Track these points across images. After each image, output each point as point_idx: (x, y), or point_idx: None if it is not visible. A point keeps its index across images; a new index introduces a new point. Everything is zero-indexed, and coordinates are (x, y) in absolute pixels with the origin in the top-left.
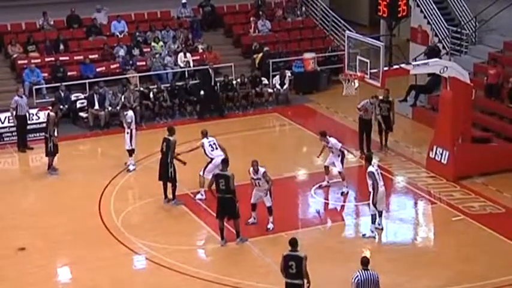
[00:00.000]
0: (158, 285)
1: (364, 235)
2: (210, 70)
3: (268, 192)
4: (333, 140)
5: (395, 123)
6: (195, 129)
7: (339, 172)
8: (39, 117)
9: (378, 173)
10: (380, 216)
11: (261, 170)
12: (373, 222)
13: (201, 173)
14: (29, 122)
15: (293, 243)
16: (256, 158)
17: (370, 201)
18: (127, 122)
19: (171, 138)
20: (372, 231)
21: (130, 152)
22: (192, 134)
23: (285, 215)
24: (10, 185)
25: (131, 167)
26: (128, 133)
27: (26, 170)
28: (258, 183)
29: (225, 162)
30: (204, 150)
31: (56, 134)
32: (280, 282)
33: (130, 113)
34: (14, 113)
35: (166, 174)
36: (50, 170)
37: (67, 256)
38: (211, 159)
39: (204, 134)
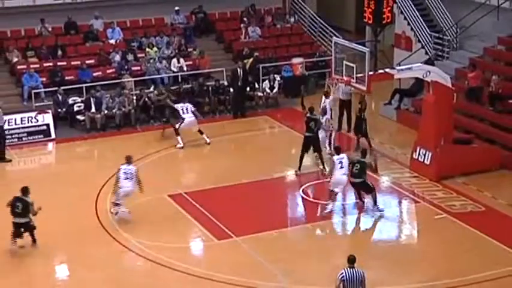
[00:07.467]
0: (152, 281)
1: (325, 211)
2: (239, 70)
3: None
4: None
5: (366, 127)
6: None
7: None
8: (37, 120)
9: (338, 162)
10: (336, 195)
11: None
12: (331, 199)
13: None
14: (28, 124)
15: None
16: (247, 158)
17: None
18: None
19: None
20: (332, 206)
21: None
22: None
23: (275, 214)
24: (9, 185)
25: None
26: None
27: (24, 171)
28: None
29: (363, 152)
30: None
31: None
32: (270, 278)
33: None
34: None
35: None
36: None
37: (64, 254)
38: None
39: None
